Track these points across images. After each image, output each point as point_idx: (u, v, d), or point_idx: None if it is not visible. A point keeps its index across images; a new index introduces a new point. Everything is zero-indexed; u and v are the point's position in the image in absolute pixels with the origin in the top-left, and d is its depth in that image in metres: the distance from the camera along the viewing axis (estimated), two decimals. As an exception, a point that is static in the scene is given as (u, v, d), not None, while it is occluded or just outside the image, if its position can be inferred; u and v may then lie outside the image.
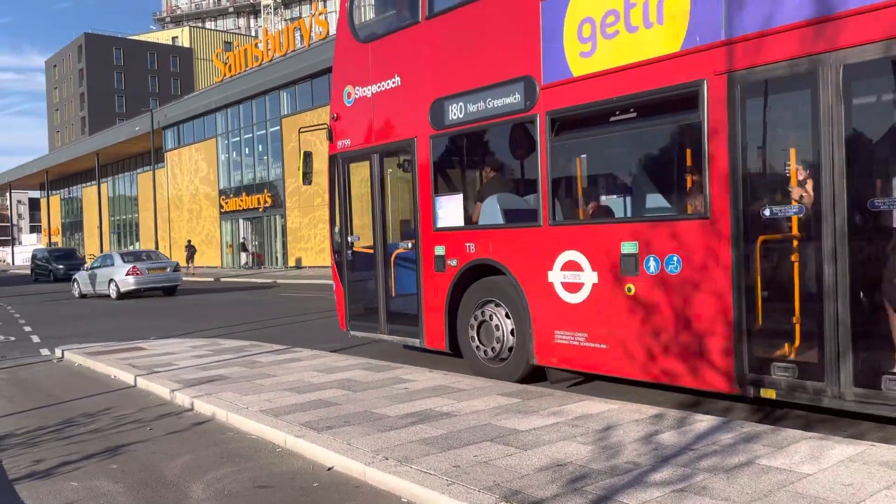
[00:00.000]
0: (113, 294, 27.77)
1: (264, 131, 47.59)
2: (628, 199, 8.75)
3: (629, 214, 8.42)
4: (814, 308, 6.13)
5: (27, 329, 17.91)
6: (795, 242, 6.28)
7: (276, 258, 48.22)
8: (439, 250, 9.59)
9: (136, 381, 9.81)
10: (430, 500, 5.00)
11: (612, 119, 7.60)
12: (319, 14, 43.78)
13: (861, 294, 6.00)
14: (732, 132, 6.56)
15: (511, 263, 8.69)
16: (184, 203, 57.50)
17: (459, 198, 9.45)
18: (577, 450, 5.73)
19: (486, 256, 8.98)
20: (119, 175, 71.32)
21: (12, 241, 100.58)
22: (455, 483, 5.09)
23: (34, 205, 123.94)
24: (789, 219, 6.33)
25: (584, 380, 8.71)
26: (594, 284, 7.77)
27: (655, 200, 8.21)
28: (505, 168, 9.65)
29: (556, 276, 8.16)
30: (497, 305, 9.00)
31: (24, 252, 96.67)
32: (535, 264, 8.38)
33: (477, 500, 4.77)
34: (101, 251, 67.58)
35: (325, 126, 11.51)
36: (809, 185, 6.17)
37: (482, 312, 9.16)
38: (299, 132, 12.55)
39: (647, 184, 8.47)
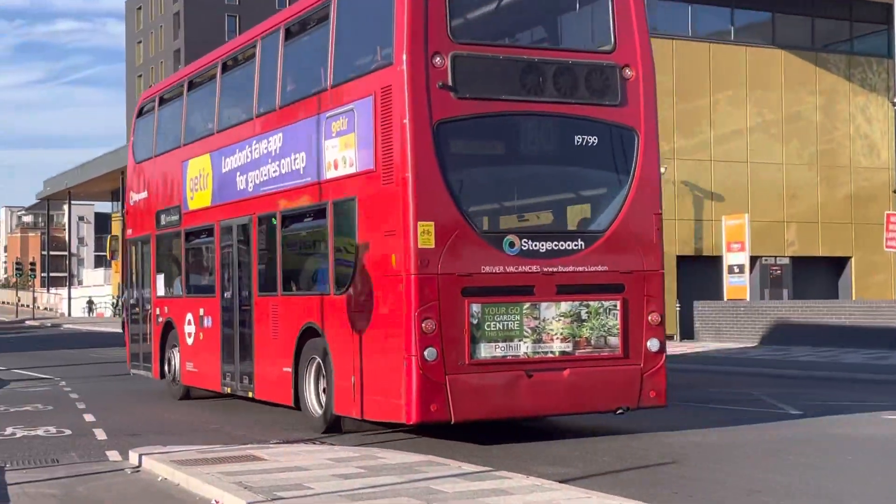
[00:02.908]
0: None
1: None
2: (207, 281, 14.01)
3: (204, 293, 13.65)
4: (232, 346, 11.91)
5: (88, 418, 12.25)
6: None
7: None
8: (157, 311, 14.95)
9: None
10: None
11: (202, 237, 13.18)
12: None
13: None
14: (221, 253, 12.24)
15: (175, 320, 14.03)
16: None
17: (163, 276, 14.83)
18: None
19: (169, 316, 14.34)
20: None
21: (69, 280, 68.77)
22: None
23: (102, 224, 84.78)
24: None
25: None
26: (194, 333, 13.14)
27: (207, 282, 13.58)
28: (182, 259, 14.99)
29: (186, 328, 13.52)
30: (178, 350, 14.28)
31: (82, 296, 64.71)
32: (182, 321, 13.70)
33: None
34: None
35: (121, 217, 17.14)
36: (233, 278, 11.66)
37: (171, 352, 14.44)
38: (111, 220, 18.16)
39: (206, 273, 13.93)
